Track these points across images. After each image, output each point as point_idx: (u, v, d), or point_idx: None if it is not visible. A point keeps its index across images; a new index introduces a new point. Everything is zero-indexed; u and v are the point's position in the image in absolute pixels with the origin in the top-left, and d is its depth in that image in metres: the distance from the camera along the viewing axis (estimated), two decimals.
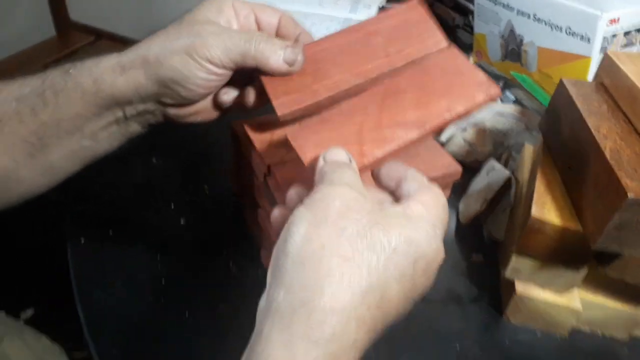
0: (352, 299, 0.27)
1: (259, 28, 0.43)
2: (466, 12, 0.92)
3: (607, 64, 0.48)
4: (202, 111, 0.43)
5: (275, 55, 0.39)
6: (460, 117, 0.38)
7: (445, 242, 0.56)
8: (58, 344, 0.53)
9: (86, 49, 1.68)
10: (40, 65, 1.59)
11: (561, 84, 0.49)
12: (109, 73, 0.38)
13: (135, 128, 0.42)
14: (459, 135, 0.64)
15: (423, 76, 0.40)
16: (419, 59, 0.42)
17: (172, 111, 0.41)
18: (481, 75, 0.39)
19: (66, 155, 0.41)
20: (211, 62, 0.38)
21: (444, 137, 0.65)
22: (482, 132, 0.63)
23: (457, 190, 0.61)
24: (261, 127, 0.49)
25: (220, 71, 0.39)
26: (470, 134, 0.63)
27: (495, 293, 0.51)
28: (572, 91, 0.47)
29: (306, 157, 0.36)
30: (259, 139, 0.48)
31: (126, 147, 0.61)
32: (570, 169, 0.45)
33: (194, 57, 0.37)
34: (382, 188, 0.36)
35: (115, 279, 0.50)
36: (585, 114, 0.44)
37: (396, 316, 0.30)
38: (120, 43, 1.64)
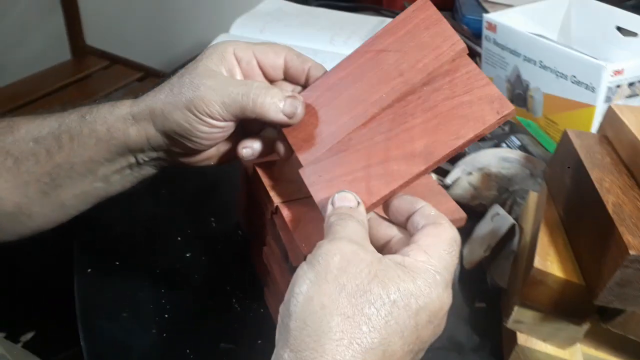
0: (352, 358, 0.27)
1: (263, 72, 0.43)
2: (474, 55, 0.93)
3: (610, 117, 0.49)
4: (214, 156, 0.44)
5: (274, 107, 0.39)
6: (471, 141, 0.36)
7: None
8: None
9: (100, 74, 1.70)
10: (54, 87, 1.62)
11: (565, 135, 0.49)
12: (121, 122, 0.40)
13: (148, 171, 0.43)
14: (464, 179, 0.64)
15: (432, 95, 0.38)
16: (434, 71, 0.39)
17: (184, 159, 0.42)
18: (494, 90, 0.36)
19: (78, 195, 0.42)
20: (211, 117, 0.39)
21: (449, 179, 0.65)
22: (487, 176, 0.63)
23: (462, 234, 0.61)
24: (270, 165, 0.49)
25: (222, 124, 0.40)
26: (475, 178, 0.64)
27: (497, 342, 0.50)
28: (576, 142, 0.48)
29: (318, 196, 0.37)
30: (268, 177, 0.49)
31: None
32: (573, 220, 0.46)
33: (194, 113, 0.38)
34: (394, 222, 0.37)
35: (119, 310, 0.51)
36: (588, 166, 0.45)
37: None
38: (133, 69, 1.67)
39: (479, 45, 0.85)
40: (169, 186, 0.64)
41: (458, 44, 0.39)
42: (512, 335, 0.47)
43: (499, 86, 0.81)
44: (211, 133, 0.40)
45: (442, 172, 0.69)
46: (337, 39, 0.98)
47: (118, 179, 0.42)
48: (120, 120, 0.40)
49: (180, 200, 0.63)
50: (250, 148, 0.43)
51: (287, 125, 0.41)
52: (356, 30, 1.01)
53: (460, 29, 1.01)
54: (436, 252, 0.32)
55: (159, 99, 0.40)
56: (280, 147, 0.43)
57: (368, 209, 0.36)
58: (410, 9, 0.42)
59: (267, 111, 0.39)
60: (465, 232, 0.61)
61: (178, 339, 0.48)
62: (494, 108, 0.35)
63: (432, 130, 0.37)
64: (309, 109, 0.42)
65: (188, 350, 0.47)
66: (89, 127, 0.40)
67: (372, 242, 0.35)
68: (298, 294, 0.29)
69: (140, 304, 0.51)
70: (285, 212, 0.46)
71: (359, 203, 0.35)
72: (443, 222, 0.34)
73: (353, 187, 0.36)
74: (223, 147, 0.44)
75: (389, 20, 1.08)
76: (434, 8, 0.41)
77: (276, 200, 0.47)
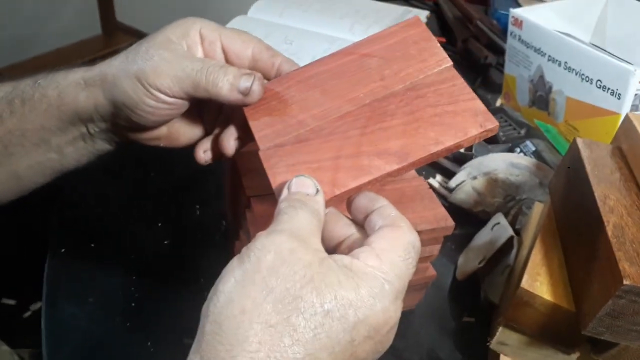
0: None
1: (227, 59, 0.40)
2: (500, 51, 0.88)
3: (626, 126, 0.44)
4: (163, 137, 0.41)
5: (227, 85, 0.36)
6: (450, 151, 0.34)
7: (437, 298, 0.53)
8: (16, 353, 0.53)
9: None
10: (83, 61, 1.63)
11: (574, 144, 0.45)
12: (72, 87, 0.37)
13: (102, 145, 0.41)
14: (468, 183, 0.60)
15: (414, 100, 0.36)
16: (418, 81, 0.38)
17: (130, 134, 0.40)
18: (478, 105, 0.35)
19: (32, 166, 0.40)
20: (159, 90, 0.36)
21: (453, 182, 0.61)
22: (493, 182, 0.59)
23: (460, 243, 0.57)
24: (250, 156, 0.47)
25: (170, 100, 0.37)
26: (480, 183, 0.60)
27: None
28: (585, 153, 0.43)
29: (276, 180, 0.34)
30: (247, 168, 0.46)
31: (122, 159, 0.60)
32: (571, 239, 0.41)
33: (142, 84, 0.35)
34: (354, 220, 0.33)
35: (86, 294, 0.49)
36: (593, 181, 0.40)
37: None
38: None
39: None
40: (158, 169, 0.62)
41: (445, 61, 0.38)
42: (496, 358, 0.43)
43: (521, 87, 0.77)
44: (158, 108, 0.37)
45: (447, 174, 0.65)
46: (357, 27, 0.94)
47: (72, 150, 0.40)
48: (72, 85, 0.37)
49: (167, 184, 0.61)
50: (208, 154, 0.41)
51: (244, 105, 0.38)
52: (378, 19, 0.96)
53: (489, 24, 0.96)
54: (389, 257, 0.28)
55: (113, 65, 0.37)
56: (230, 140, 0.40)
57: (328, 202, 0.33)
58: (402, 24, 0.41)
59: (221, 89, 0.36)
60: (465, 240, 0.57)
61: (141, 330, 0.46)
62: (478, 121, 0.34)
63: (410, 132, 0.35)
64: (277, 96, 0.39)
65: (149, 343, 0.45)
66: (41, 91, 0.38)
67: (326, 240, 0.32)
68: (220, 293, 0.26)
69: (109, 290, 0.49)
70: (257, 207, 0.43)
71: (317, 191, 0.31)
72: (402, 225, 0.30)
73: (317, 175, 0.33)
74: (174, 129, 0.41)
75: (415, 11, 1.04)
76: (425, 26, 0.40)
77: (250, 192, 0.44)
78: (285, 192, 0.31)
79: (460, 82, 0.37)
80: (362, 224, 0.32)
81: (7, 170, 0.40)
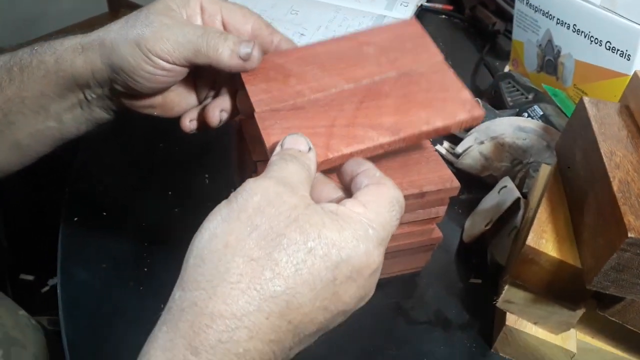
0: (246, 304, 0.25)
1: (225, 31, 0.40)
2: (508, 18, 0.87)
3: (634, 85, 0.44)
4: (158, 106, 0.41)
5: (228, 50, 0.37)
6: (438, 132, 0.36)
7: (444, 261, 0.54)
8: (34, 319, 0.54)
9: None
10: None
11: (581, 103, 0.44)
12: (69, 52, 0.38)
13: (99, 114, 0.41)
14: (475, 148, 0.60)
15: (408, 85, 0.38)
16: (412, 70, 0.40)
17: (126, 101, 0.40)
18: (467, 94, 0.38)
19: (32, 135, 0.40)
20: (159, 56, 0.36)
21: (460, 147, 0.61)
22: (501, 146, 0.59)
23: (467, 207, 0.57)
24: (255, 122, 0.47)
25: (168, 66, 0.37)
26: (487, 148, 0.59)
27: (487, 322, 0.47)
28: (592, 112, 0.43)
29: (270, 140, 0.35)
30: (252, 134, 0.46)
31: (131, 131, 0.61)
32: (577, 197, 0.41)
33: (142, 49, 0.36)
34: (342, 184, 0.34)
35: (99, 260, 0.50)
36: (600, 138, 0.40)
37: (317, 329, 0.27)
38: None
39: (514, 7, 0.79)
40: (166, 139, 0.63)
41: (438, 56, 0.41)
42: (503, 316, 0.44)
43: (529, 52, 0.76)
44: (155, 74, 0.37)
45: (454, 140, 0.65)
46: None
47: (70, 118, 0.41)
48: (69, 50, 0.38)
49: (176, 154, 0.62)
50: (193, 123, 0.42)
51: (244, 71, 0.39)
52: None
53: None
54: (375, 207, 0.29)
55: (112, 29, 0.37)
56: (215, 111, 0.41)
57: (321, 165, 0.34)
58: (399, 23, 0.44)
59: (221, 54, 0.37)
60: (473, 203, 0.57)
61: (153, 293, 0.47)
62: (466, 108, 0.37)
63: (403, 111, 0.37)
64: (275, 67, 0.40)
65: (162, 305, 0.46)
66: (38, 58, 0.38)
67: (314, 201, 0.32)
68: (205, 230, 0.27)
69: (121, 256, 0.50)
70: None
71: (310, 149, 0.32)
72: (386, 183, 0.31)
73: (311, 139, 0.33)
74: (169, 98, 0.42)
75: None
76: (421, 26, 0.43)
77: (256, 157, 0.44)
78: (278, 148, 0.32)
79: (451, 74, 0.39)
80: (349, 187, 0.33)
81: (8, 139, 0.40)
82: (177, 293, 0.26)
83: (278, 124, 0.36)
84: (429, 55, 0.41)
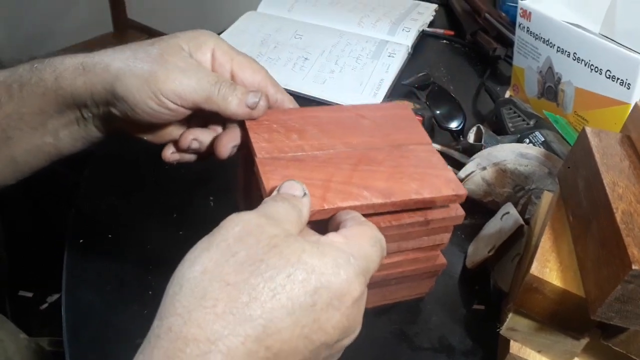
0: (221, 328, 0.24)
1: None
2: (509, 44, 0.88)
3: (636, 117, 0.44)
4: (150, 134, 0.42)
5: (236, 99, 0.38)
6: (425, 203, 0.39)
7: (448, 286, 0.54)
8: (34, 341, 0.54)
9: None
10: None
11: (583, 133, 0.45)
12: (70, 72, 0.38)
13: (94, 132, 0.42)
14: (478, 174, 0.61)
15: (400, 158, 0.42)
16: (403, 146, 0.43)
17: (119, 125, 0.41)
18: (451, 175, 0.41)
19: (29, 151, 0.41)
20: (168, 98, 0.37)
21: (462, 173, 0.62)
22: (502, 172, 0.59)
23: (470, 232, 0.58)
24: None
25: (173, 107, 0.38)
26: (489, 173, 0.60)
27: (491, 349, 0.47)
28: (594, 142, 0.44)
29: (269, 184, 0.36)
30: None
31: (137, 153, 0.61)
32: (580, 226, 0.42)
33: (151, 86, 0.36)
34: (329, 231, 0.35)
35: (104, 282, 0.50)
36: (602, 168, 0.41)
37: (296, 357, 0.26)
38: None
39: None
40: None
41: (426, 140, 0.45)
42: (506, 343, 0.44)
43: (529, 78, 0.77)
44: (158, 112, 0.38)
45: (456, 165, 0.65)
46: (366, 20, 0.95)
47: (66, 134, 0.41)
48: (69, 69, 0.38)
49: (182, 176, 0.62)
50: (174, 156, 0.43)
51: (250, 118, 0.40)
52: (387, 12, 0.97)
53: (497, 17, 0.96)
54: (357, 240, 0.30)
55: (118, 57, 0.38)
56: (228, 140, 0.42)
57: (315, 214, 0.35)
58: (394, 104, 0.48)
59: (230, 103, 0.38)
60: (475, 230, 0.58)
61: None
62: (451, 186, 0.40)
63: (395, 179, 0.40)
64: (278, 120, 0.42)
65: None
66: (38, 75, 0.38)
67: None
68: (186, 260, 0.27)
69: (126, 279, 0.50)
70: None
71: (305, 194, 0.32)
72: (370, 224, 0.32)
73: (309, 189, 0.34)
74: (162, 128, 0.43)
75: (424, 4, 1.04)
76: (411, 111, 0.48)
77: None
78: (275, 192, 0.33)
79: (437, 157, 0.43)
80: (335, 231, 0.33)
81: (4, 154, 0.40)
82: (155, 322, 0.26)
83: (278, 170, 0.37)
84: (419, 137, 0.45)
